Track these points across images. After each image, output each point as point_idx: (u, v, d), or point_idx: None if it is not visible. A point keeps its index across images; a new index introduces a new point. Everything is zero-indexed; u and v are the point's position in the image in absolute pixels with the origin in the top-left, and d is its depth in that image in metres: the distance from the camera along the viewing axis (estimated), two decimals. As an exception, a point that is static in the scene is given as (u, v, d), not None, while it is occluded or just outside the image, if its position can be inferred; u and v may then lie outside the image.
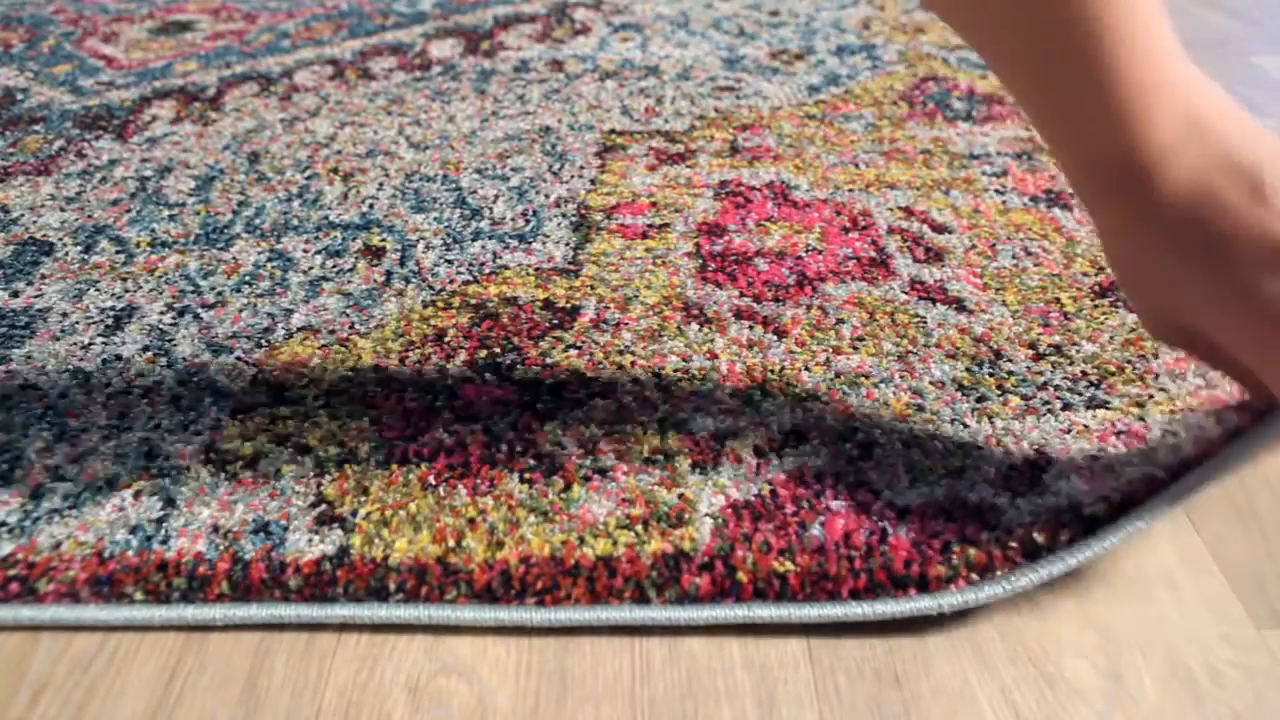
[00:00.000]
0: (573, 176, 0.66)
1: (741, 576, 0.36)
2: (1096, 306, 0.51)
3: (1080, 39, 0.27)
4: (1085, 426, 0.43)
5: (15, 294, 0.54)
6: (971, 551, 0.36)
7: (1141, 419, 0.43)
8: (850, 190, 0.63)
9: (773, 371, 0.47)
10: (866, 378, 0.46)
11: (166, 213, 0.62)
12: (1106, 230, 0.33)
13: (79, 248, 0.59)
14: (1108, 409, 0.44)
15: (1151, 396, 0.44)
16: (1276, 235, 0.27)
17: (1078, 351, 0.48)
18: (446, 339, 0.50)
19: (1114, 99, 0.28)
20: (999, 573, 0.36)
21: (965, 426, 0.43)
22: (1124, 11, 0.28)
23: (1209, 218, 0.28)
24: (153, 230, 0.60)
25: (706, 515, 0.39)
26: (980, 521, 0.38)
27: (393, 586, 0.36)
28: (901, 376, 0.46)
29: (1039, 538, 0.37)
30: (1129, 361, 0.47)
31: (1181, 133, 0.28)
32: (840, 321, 0.50)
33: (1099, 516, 0.37)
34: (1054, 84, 0.29)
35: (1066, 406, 0.44)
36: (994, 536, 0.37)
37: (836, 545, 0.37)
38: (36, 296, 0.54)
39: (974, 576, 0.36)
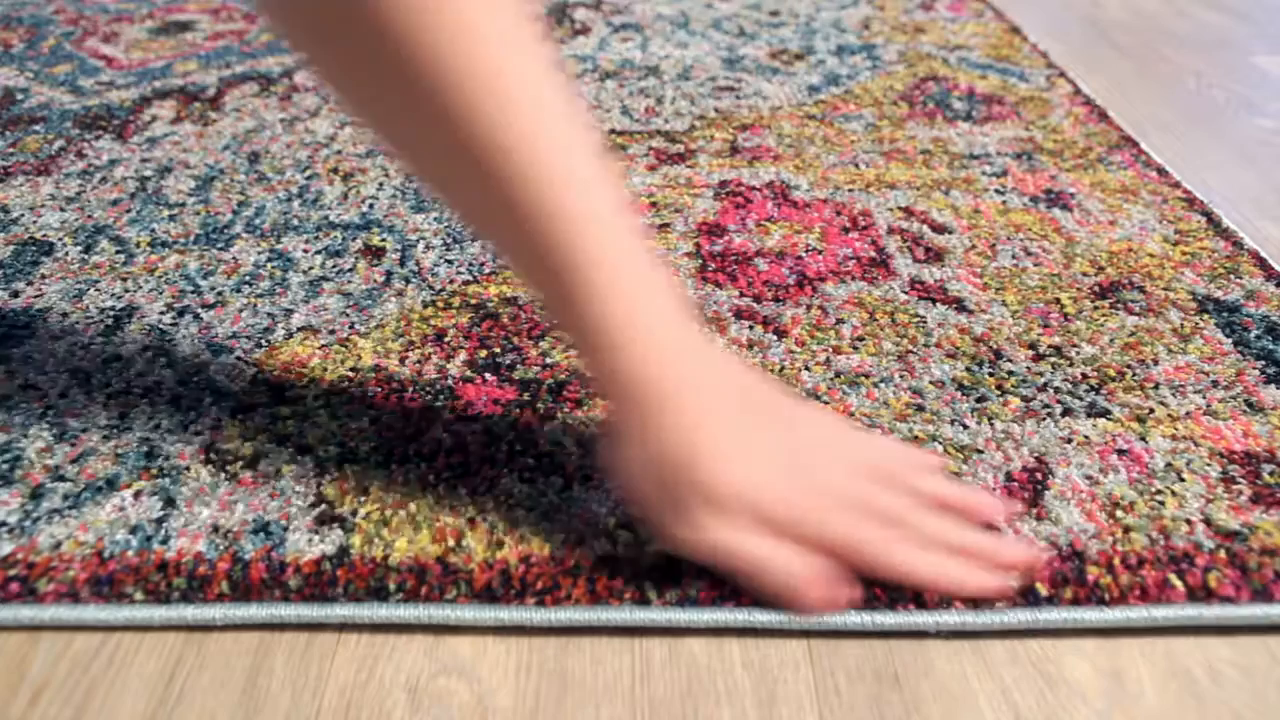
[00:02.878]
0: (573, 176, 0.66)
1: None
2: (1096, 308, 0.51)
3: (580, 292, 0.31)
4: (1086, 438, 0.42)
5: (15, 294, 0.54)
6: None
7: (1144, 439, 0.42)
8: (850, 190, 0.63)
9: (773, 371, 0.47)
10: (866, 377, 0.46)
11: (166, 213, 0.62)
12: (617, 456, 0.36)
13: (79, 248, 0.58)
14: (1109, 418, 0.44)
15: (1152, 411, 0.44)
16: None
17: (1077, 353, 0.48)
18: (446, 339, 0.50)
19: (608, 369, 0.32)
20: (997, 604, 0.35)
21: (965, 428, 0.43)
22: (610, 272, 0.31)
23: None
24: (152, 230, 0.60)
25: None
26: None
27: (393, 586, 0.36)
28: (901, 376, 0.46)
29: (1041, 587, 0.35)
30: (1129, 366, 0.47)
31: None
32: (840, 321, 0.50)
33: (1101, 584, 0.36)
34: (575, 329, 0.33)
35: (1067, 412, 0.44)
36: None
37: None
38: (36, 296, 0.54)
39: (971, 602, 0.35)
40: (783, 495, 0.33)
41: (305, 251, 0.58)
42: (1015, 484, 0.40)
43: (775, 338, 0.49)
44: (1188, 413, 0.44)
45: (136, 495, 0.40)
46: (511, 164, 0.29)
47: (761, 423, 0.34)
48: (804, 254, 0.56)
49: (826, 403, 0.45)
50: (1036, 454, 0.42)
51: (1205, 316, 0.50)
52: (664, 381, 0.32)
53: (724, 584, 0.36)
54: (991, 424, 0.43)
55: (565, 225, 0.30)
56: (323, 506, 0.40)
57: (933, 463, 0.38)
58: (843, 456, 0.35)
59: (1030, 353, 0.48)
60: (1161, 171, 0.65)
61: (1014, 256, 0.56)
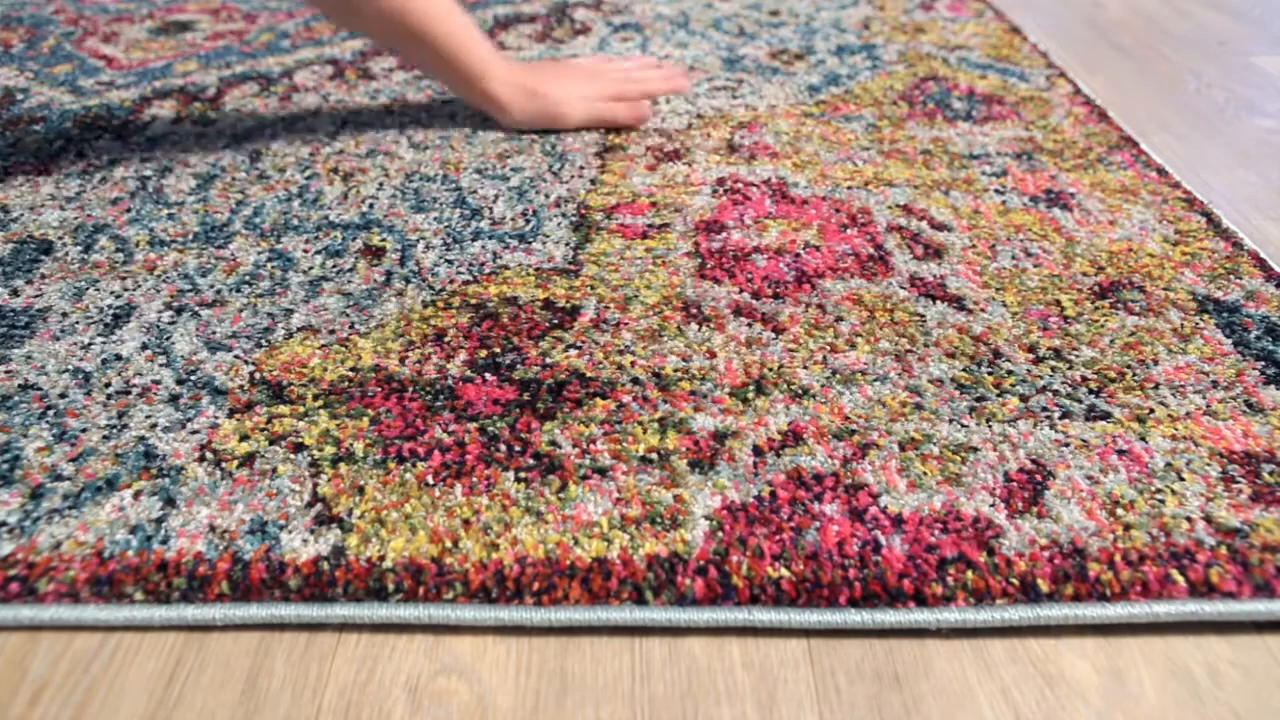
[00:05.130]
0: (573, 176, 0.66)
1: (737, 581, 0.36)
2: (1096, 309, 0.51)
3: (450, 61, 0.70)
4: (1084, 440, 0.42)
5: (15, 293, 0.54)
6: (969, 575, 0.36)
7: (1144, 439, 0.42)
8: (849, 188, 0.63)
9: (770, 369, 0.47)
10: (864, 374, 0.46)
11: (165, 212, 0.62)
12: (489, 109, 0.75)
13: (79, 247, 0.58)
14: (1108, 420, 0.44)
15: (1152, 411, 0.44)
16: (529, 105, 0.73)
17: (1077, 356, 0.48)
18: (446, 339, 0.50)
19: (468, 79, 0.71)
20: (999, 602, 0.35)
21: (963, 427, 0.43)
22: (460, 43, 0.69)
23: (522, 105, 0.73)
24: (152, 229, 0.60)
25: (702, 517, 0.39)
26: (978, 540, 0.38)
27: (391, 587, 0.36)
28: (899, 374, 0.46)
29: (1042, 584, 0.36)
30: (1129, 367, 0.47)
31: (507, 86, 0.72)
32: (839, 319, 0.50)
33: (1102, 580, 0.36)
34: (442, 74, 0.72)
35: (1066, 415, 0.44)
36: (993, 564, 0.36)
37: (830, 553, 0.37)
38: (36, 296, 0.54)
39: (972, 600, 0.35)
40: (580, 91, 0.74)
41: (305, 251, 0.58)
42: (1014, 483, 0.40)
43: (773, 334, 0.49)
44: (1188, 413, 0.44)
45: (136, 495, 0.40)
46: (447, 43, 0.68)
47: (554, 72, 0.76)
48: (802, 251, 0.56)
49: (823, 401, 0.45)
50: (1035, 454, 0.42)
51: (1205, 317, 0.50)
52: (514, 79, 0.72)
53: (717, 585, 0.36)
54: (989, 424, 0.43)
55: (469, 53, 0.69)
56: (319, 506, 0.40)
57: (607, 57, 0.84)
58: (573, 68, 0.78)
59: (1030, 355, 0.48)
60: (1161, 171, 0.65)
61: (1014, 257, 0.56)
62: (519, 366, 0.47)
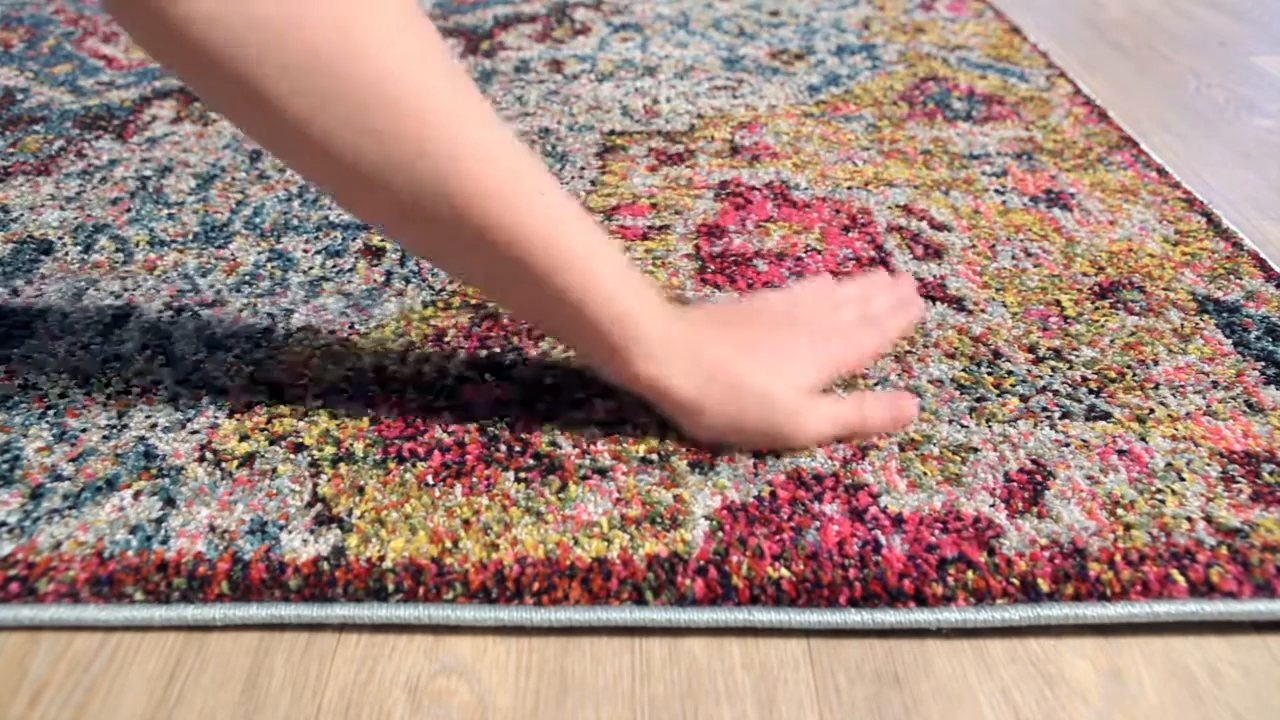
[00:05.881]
0: (573, 177, 0.66)
1: (737, 581, 0.36)
2: (1096, 309, 0.51)
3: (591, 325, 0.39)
4: (1084, 442, 0.42)
5: (15, 293, 0.54)
6: (970, 575, 0.36)
7: (1144, 439, 0.42)
8: (849, 188, 0.63)
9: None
10: (864, 377, 0.46)
11: (165, 212, 0.62)
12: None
13: (79, 247, 0.58)
14: (1108, 421, 0.44)
15: (1152, 411, 0.44)
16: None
17: (1077, 356, 0.48)
18: (446, 339, 0.50)
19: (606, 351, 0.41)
20: (999, 602, 0.35)
21: (963, 427, 0.43)
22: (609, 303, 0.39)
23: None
24: (151, 229, 0.60)
25: (702, 517, 0.39)
26: (978, 540, 0.38)
27: (391, 587, 0.36)
28: (899, 375, 0.46)
29: (1042, 583, 0.36)
30: (1129, 367, 0.47)
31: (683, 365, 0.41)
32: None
33: (1102, 580, 0.36)
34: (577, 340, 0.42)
35: (1066, 415, 0.44)
36: (993, 564, 0.36)
37: (830, 553, 0.37)
38: (36, 296, 0.54)
39: (972, 599, 0.35)
40: (806, 377, 0.43)
41: (305, 251, 0.58)
42: (1014, 484, 0.40)
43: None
44: (1188, 413, 0.44)
45: (136, 495, 0.40)
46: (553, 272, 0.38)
47: (750, 333, 0.44)
48: (803, 254, 0.56)
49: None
50: (1035, 454, 0.42)
51: (1205, 317, 0.50)
52: (693, 352, 0.41)
53: (717, 585, 0.36)
54: (989, 424, 0.43)
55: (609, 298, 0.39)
56: (319, 506, 0.40)
57: (829, 283, 0.50)
58: (788, 323, 0.45)
59: (1030, 355, 0.48)
60: (1161, 171, 0.65)
61: (1014, 257, 0.56)
62: (519, 366, 0.47)
